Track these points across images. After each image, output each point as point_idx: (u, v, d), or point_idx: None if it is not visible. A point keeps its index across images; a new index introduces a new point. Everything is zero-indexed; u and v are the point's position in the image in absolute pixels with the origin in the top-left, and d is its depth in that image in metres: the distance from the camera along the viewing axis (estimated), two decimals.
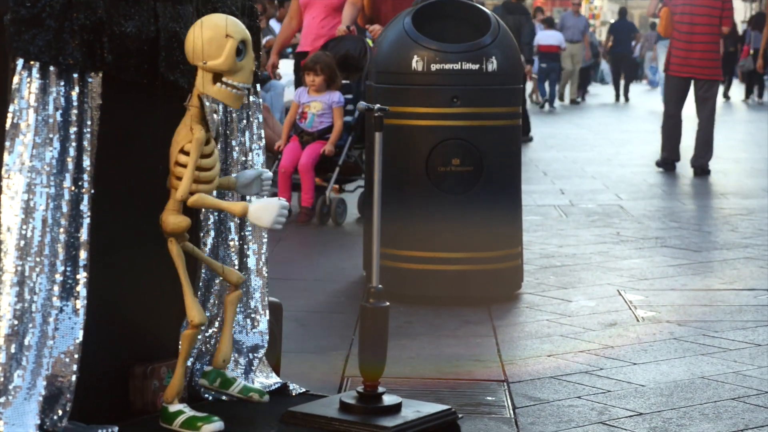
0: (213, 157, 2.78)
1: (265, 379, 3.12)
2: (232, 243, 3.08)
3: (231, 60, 2.63)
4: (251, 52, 2.69)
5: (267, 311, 3.15)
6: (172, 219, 2.78)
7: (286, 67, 12.62)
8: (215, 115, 2.74)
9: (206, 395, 3.01)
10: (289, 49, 13.82)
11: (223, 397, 3.01)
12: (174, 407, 2.82)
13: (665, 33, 11.72)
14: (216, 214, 3.05)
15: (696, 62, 11.11)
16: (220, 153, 3.05)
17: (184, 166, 2.75)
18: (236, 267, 3.08)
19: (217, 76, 2.69)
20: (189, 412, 2.81)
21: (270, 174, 2.90)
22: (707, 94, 11.28)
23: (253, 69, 2.71)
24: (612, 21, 26.68)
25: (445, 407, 2.96)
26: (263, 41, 12.32)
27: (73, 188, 2.68)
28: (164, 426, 2.82)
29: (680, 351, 4.93)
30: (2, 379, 2.55)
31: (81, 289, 2.69)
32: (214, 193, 2.87)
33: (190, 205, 2.78)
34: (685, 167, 11.91)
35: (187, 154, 2.75)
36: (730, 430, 3.89)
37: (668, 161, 11.52)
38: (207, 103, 2.72)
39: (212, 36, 2.65)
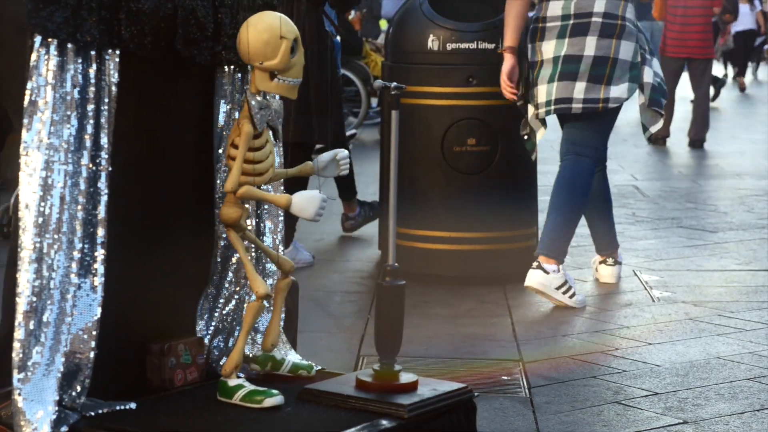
0: (264, 150, 2.83)
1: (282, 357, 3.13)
2: (249, 222, 3.09)
3: (286, 59, 2.72)
4: (302, 48, 2.78)
5: None
6: (224, 210, 2.84)
7: None
8: (268, 110, 2.82)
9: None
10: None
11: (240, 374, 3.02)
12: (233, 381, 2.83)
13: (660, 17, 12.17)
14: None
15: (692, 43, 11.75)
16: None
17: (234, 159, 2.81)
18: (252, 245, 3.09)
19: (272, 73, 2.78)
20: (248, 386, 2.82)
21: (346, 153, 2.99)
22: (703, 72, 11.96)
23: (303, 63, 2.80)
24: None
25: (462, 385, 2.97)
26: None
27: (90, 166, 2.69)
28: (223, 400, 2.83)
29: (696, 331, 4.93)
30: (21, 355, 2.57)
31: (99, 266, 2.70)
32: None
33: (239, 196, 2.82)
34: (706, 147, 11.90)
35: (236, 147, 2.81)
36: (745, 410, 3.89)
37: (660, 137, 11.93)
38: (253, 102, 2.80)
39: (268, 39, 2.73)
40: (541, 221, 6.84)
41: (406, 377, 2.91)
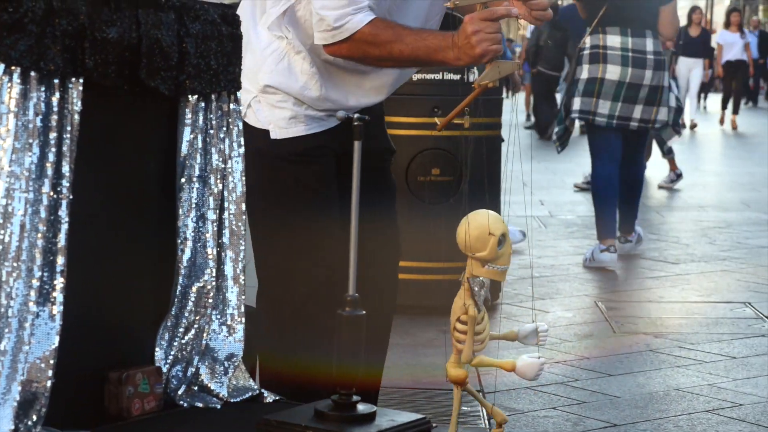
0: (483, 323, 3.00)
1: (242, 387, 3.12)
2: (209, 251, 3.09)
3: (493, 252, 2.92)
4: (509, 240, 2.96)
5: (243, 318, 3.15)
6: (453, 371, 3.00)
7: None
8: (485, 288, 2.98)
9: (181, 401, 3.02)
10: None
11: (198, 403, 3.02)
12: None
13: None
14: (194, 221, 3.07)
15: None
16: (200, 160, 3.07)
17: (461, 332, 2.99)
18: (213, 274, 3.09)
19: (483, 261, 2.96)
20: None
21: (546, 327, 3.13)
22: None
23: (510, 252, 2.96)
24: None
25: (420, 416, 2.96)
26: None
27: (51, 194, 2.69)
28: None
29: (656, 363, 4.96)
30: None
31: (57, 295, 2.69)
32: None
33: (473, 365, 3.01)
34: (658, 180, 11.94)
35: (464, 323, 2.98)
36: None
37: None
38: (476, 288, 2.97)
39: (478, 235, 2.92)
40: None
41: (364, 408, 2.90)
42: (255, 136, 3.36)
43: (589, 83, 7.33)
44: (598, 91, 7.29)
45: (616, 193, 7.52)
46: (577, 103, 7.40)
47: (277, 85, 3.32)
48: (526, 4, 3.17)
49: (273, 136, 3.34)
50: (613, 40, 7.24)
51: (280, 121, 3.32)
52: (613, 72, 7.24)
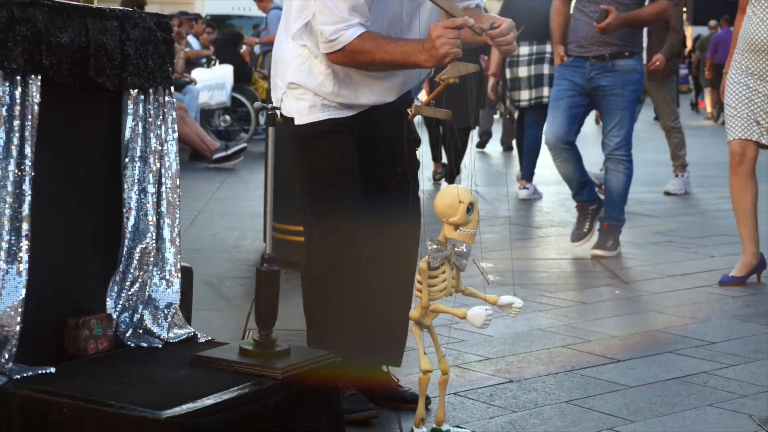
0: (440, 278, 3.08)
1: (179, 330, 3.17)
2: (150, 218, 3.12)
3: (463, 217, 3.01)
4: (477, 209, 3.05)
5: (179, 274, 3.19)
6: (413, 313, 3.13)
7: (202, 75, 12.52)
8: (444, 251, 3.04)
9: (128, 342, 3.05)
10: (203, 59, 13.73)
11: (143, 343, 3.05)
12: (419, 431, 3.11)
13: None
14: (137, 192, 3.10)
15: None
16: (141, 143, 3.10)
17: (419, 282, 3.09)
18: (154, 238, 3.12)
19: (456, 226, 3.03)
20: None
21: (522, 303, 3.22)
22: None
23: (478, 219, 3.05)
24: None
25: (326, 351, 3.04)
26: (182, 53, 12.23)
27: (16, 171, 2.71)
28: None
29: (522, 308, 5.06)
30: None
31: (23, 255, 2.72)
32: None
33: (431, 310, 3.12)
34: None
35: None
36: (559, 371, 4.04)
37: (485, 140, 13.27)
38: (433, 246, 3.04)
39: (450, 202, 3.01)
40: None
41: (280, 346, 2.96)
42: (287, 124, 3.44)
43: (512, 81, 8.92)
44: (518, 86, 8.87)
45: (538, 151, 9.07)
46: (513, 96, 8.93)
47: (298, 82, 3.40)
48: (494, 41, 3.31)
49: (297, 122, 3.42)
50: (524, 50, 8.78)
51: (302, 110, 3.41)
52: (523, 71, 8.84)
